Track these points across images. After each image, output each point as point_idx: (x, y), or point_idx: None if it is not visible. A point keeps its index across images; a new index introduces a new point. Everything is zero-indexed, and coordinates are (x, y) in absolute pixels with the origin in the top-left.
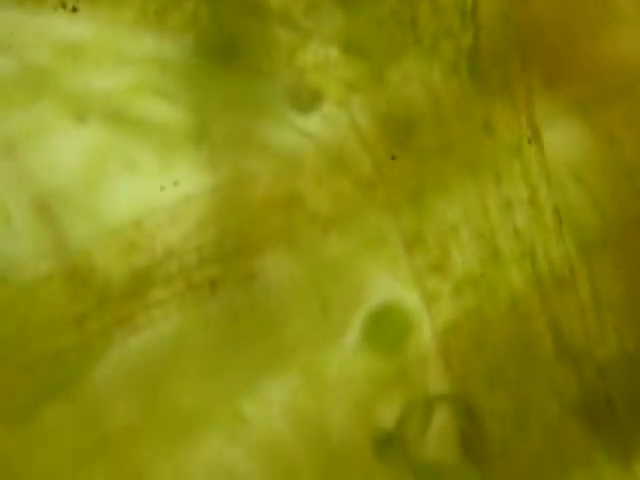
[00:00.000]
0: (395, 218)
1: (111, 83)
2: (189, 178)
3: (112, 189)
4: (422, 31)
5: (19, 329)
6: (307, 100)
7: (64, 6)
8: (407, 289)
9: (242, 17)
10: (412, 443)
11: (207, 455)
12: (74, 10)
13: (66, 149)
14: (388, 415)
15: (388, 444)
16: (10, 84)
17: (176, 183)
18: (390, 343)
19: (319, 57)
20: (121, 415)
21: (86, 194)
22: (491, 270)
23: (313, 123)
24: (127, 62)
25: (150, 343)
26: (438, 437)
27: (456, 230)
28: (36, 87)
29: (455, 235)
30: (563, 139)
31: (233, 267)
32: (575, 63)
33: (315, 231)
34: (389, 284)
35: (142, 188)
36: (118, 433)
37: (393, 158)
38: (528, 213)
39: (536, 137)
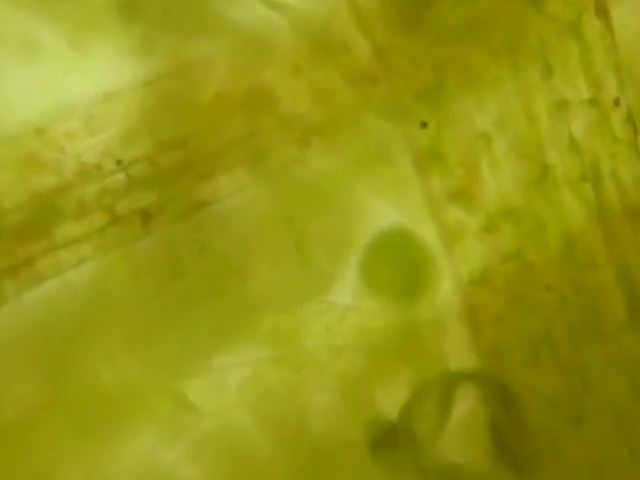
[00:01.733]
0: (402, 125)
1: None
2: (112, 68)
3: (5, 80)
4: None
5: None
6: None
7: None
8: (419, 225)
9: None
10: (423, 439)
11: (135, 455)
12: None
13: None
14: (390, 400)
15: (389, 440)
16: None
17: (95, 74)
18: (395, 299)
19: None
20: (15, 398)
21: None
22: (537, 198)
23: None
24: None
25: (56, 298)
26: (460, 430)
27: (488, 141)
28: None
29: (487, 148)
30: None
31: (174, 193)
32: None
33: (290, 144)
34: (393, 218)
35: (47, 80)
36: (12, 423)
37: (401, 40)
38: (589, 117)
39: (602, 10)
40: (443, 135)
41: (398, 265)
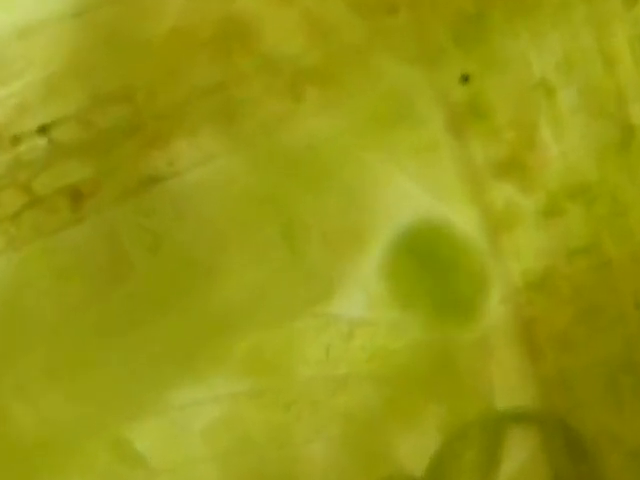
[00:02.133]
0: (431, 71)
1: None
2: None
3: None
4: None
5: None
6: None
7: None
8: (455, 209)
9: None
10: None
11: None
12: None
13: None
14: (415, 450)
15: None
16: None
17: (6, 2)
18: (423, 312)
19: None
20: None
21: None
22: (616, 171)
23: None
24: None
25: None
26: None
27: (549, 92)
28: None
29: (547, 102)
30: None
31: (115, 165)
32: None
33: (275, 96)
34: (420, 200)
35: None
36: None
37: None
38: None
39: None
40: (487, 84)
41: (427, 265)
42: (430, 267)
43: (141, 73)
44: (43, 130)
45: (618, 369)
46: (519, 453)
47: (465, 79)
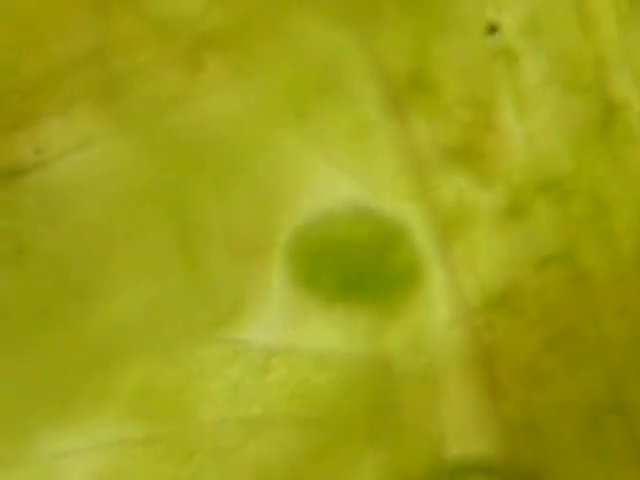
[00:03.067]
0: (363, 32)
1: None
2: None
3: None
4: None
5: None
6: None
7: None
8: (395, 205)
9: None
10: None
11: None
12: None
13: None
14: None
15: None
16: None
17: None
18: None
19: None
20: None
21: None
22: (596, 159)
23: None
24: None
25: None
26: None
27: (511, 59)
28: None
29: (509, 72)
30: None
31: None
32: None
33: (168, 65)
34: (350, 192)
35: None
36: None
37: None
38: None
39: None
40: (434, 49)
41: (360, 274)
42: (363, 276)
43: (1, 36)
44: None
45: (599, 408)
46: None
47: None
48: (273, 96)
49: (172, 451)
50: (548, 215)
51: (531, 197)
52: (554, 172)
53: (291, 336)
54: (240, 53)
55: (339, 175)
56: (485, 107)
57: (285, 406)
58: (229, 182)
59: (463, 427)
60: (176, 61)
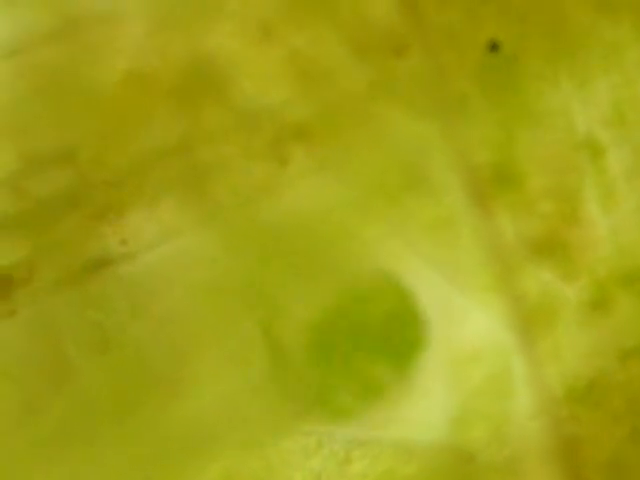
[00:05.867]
0: (448, 125)
1: None
2: None
3: None
4: None
5: None
6: None
7: None
8: (477, 299)
9: None
10: None
11: None
12: None
13: None
14: None
15: None
16: None
17: None
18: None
19: None
20: None
21: None
22: None
23: None
24: None
25: None
26: None
27: (596, 152)
28: None
29: (593, 164)
30: None
31: (53, 244)
32: None
33: (253, 157)
34: (433, 285)
35: None
36: None
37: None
38: None
39: None
40: (519, 144)
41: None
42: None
43: (87, 129)
44: None
45: None
46: None
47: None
48: (357, 188)
49: None
50: (632, 307)
51: (615, 290)
52: (638, 265)
53: (379, 429)
54: (324, 145)
55: (422, 267)
56: (570, 199)
57: None
58: (313, 273)
59: None
60: (261, 153)
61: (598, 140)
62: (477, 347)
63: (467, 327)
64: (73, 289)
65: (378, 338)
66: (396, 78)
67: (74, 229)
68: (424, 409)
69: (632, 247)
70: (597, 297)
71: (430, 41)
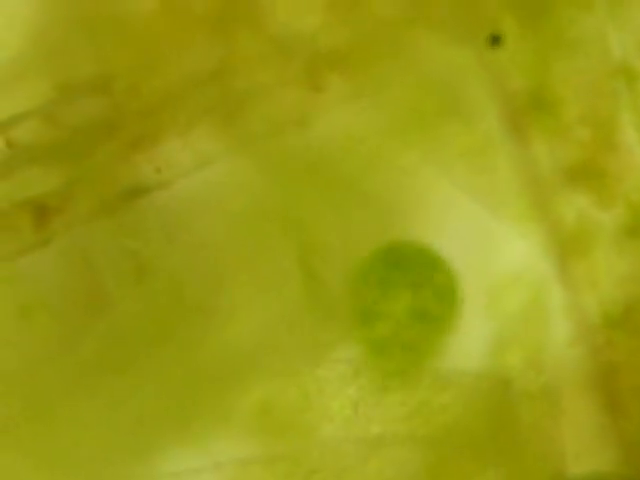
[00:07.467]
0: (482, 51)
1: None
2: None
3: None
4: None
5: None
6: None
7: None
8: (515, 226)
9: None
10: None
11: None
12: None
13: None
14: None
15: None
16: None
17: None
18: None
19: None
20: None
21: None
22: None
23: None
24: None
25: None
26: None
27: (632, 77)
28: None
29: (630, 90)
30: None
31: (89, 173)
32: None
33: (287, 84)
34: (470, 214)
35: None
36: None
37: None
38: None
39: None
40: (554, 68)
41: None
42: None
43: (121, 58)
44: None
45: None
46: None
47: (495, 40)
48: (392, 115)
49: (292, 470)
50: None
51: None
52: None
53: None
54: (359, 72)
55: (457, 194)
56: (605, 126)
57: (405, 425)
58: (348, 200)
59: (583, 445)
60: (295, 80)
61: (633, 66)
62: (514, 275)
63: (503, 255)
64: (108, 218)
65: (416, 272)
66: (430, 5)
67: (108, 158)
68: (462, 337)
69: None
70: (633, 223)
71: None
